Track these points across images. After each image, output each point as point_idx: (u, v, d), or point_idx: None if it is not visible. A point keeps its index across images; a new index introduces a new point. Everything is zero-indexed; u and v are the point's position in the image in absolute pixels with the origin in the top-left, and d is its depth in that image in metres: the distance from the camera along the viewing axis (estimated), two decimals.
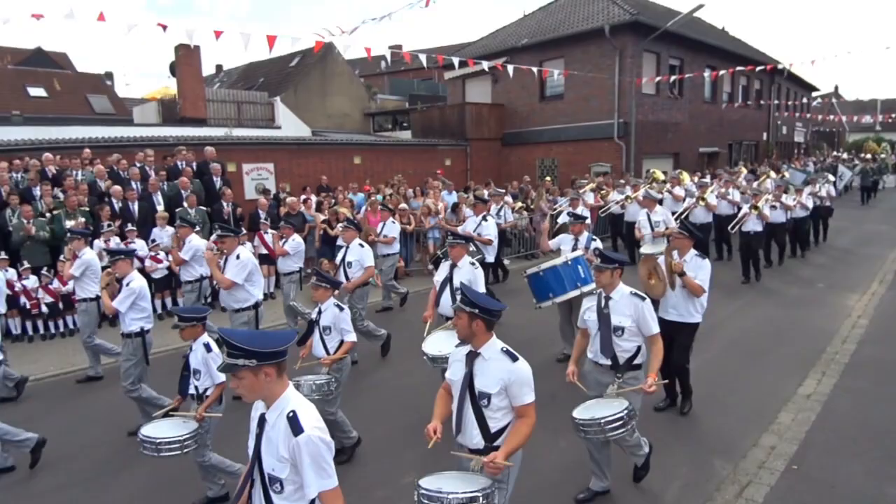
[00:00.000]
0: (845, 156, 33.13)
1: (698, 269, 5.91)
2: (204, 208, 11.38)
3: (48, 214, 9.97)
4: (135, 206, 10.76)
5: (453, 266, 6.47)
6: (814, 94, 39.83)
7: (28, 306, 9.32)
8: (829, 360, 7.67)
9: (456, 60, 15.34)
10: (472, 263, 6.39)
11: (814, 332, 8.80)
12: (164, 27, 10.03)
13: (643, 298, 4.65)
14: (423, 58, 14.22)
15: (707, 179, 16.80)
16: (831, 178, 16.59)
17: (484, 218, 10.13)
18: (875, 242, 15.94)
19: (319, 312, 5.50)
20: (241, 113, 22.25)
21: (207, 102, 21.15)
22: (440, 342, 5.53)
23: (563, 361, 7.46)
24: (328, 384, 5.12)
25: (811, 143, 41.16)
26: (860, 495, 4.70)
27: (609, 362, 4.62)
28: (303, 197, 13.24)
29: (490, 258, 10.06)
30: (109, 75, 35.03)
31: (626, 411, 4.21)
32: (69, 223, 9.75)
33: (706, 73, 21.08)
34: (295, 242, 9.16)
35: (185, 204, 10.98)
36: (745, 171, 17.22)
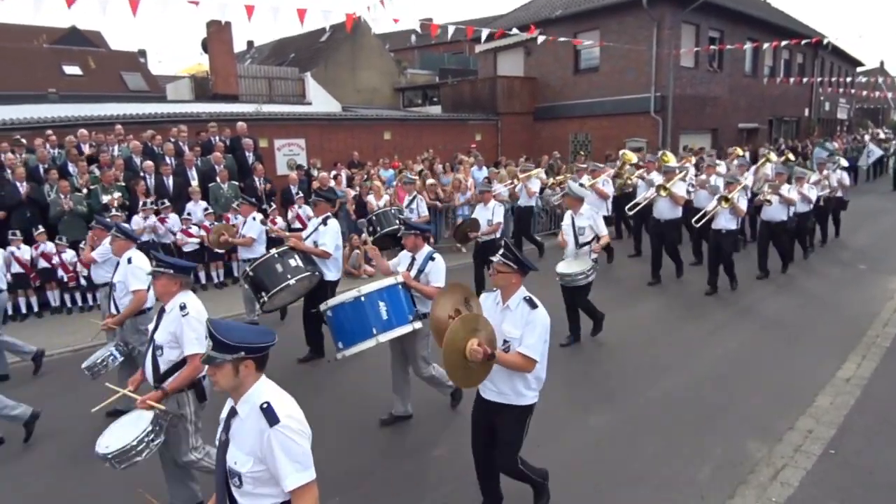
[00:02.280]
0: (882, 135, 30.75)
1: (526, 324, 3.79)
2: (236, 183, 11.47)
3: (84, 190, 10.16)
4: (169, 181, 10.90)
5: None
6: (858, 69, 38.30)
7: (66, 279, 9.56)
8: (869, 343, 7.43)
9: (485, 32, 15.07)
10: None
11: (854, 314, 8.53)
12: (196, 3, 10.04)
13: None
14: (451, 29, 14.03)
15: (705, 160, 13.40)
16: (844, 162, 13.53)
17: (324, 222, 7.11)
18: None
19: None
20: (273, 89, 22.30)
21: (239, 79, 21.23)
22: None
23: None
24: None
25: (855, 120, 39.71)
26: None
27: None
28: (333, 172, 13.26)
29: (330, 276, 7.17)
30: (143, 53, 35.38)
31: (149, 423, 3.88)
32: (105, 198, 9.94)
33: (747, 46, 20.36)
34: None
35: (218, 179, 11.09)
36: (740, 152, 13.94)
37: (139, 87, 27.32)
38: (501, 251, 3.91)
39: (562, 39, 16.32)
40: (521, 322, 3.80)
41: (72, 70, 26.51)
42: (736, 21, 21.38)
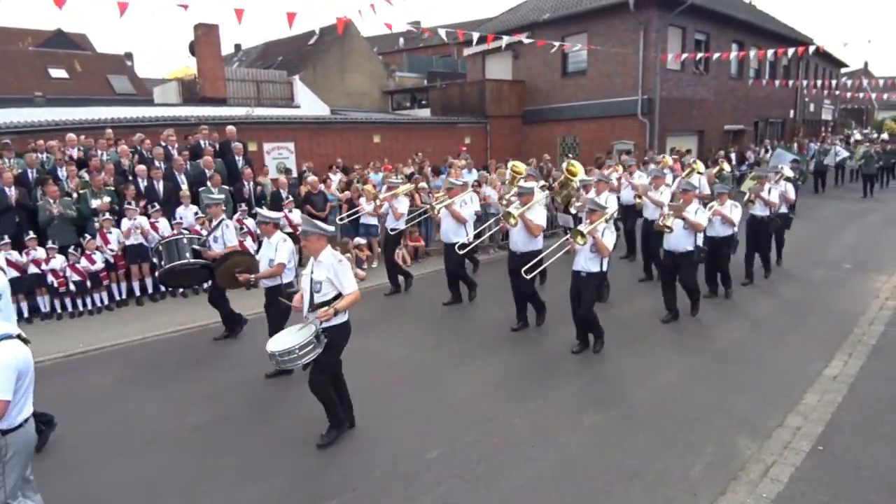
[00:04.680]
0: (858, 136, 30.18)
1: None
2: (227, 187, 11.45)
3: (74, 194, 10.10)
4: (159, 186, 10.86)
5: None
6: (843, 70, 38.80)
7: (56, 285, 9.50)
8: (855, 341, 7.55)
9: (475, 36, 15.15)
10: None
11: (840, 313, 8.65)
12: (186, 6, 10.04)
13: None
14: (442, 32, 14.08)
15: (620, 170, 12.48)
16: (787, 171, 11.33)
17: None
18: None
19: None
20: (261, 92, 22.29)
21: (227, 82, 21.21)
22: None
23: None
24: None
25: (839, 120, 40.22)
26: (886, 477, 4.65)
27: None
28: (327, 175, 13.26)
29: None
30: (129, 56, 35.17)
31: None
32: (95, 202, 9.89)
33: (733, 54, 20.63)
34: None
35: (209, 183, 11.06)
36: (669, 161, 12.68)
37: (126, 90, 27.21)
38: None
39: (554, 44, 16.39)
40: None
41: (58, 73, 26.35)
42: (722, 24, 21.62)
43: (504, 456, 5.11)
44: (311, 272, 5.23)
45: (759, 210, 10.12)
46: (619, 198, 10.94)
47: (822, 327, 8.10)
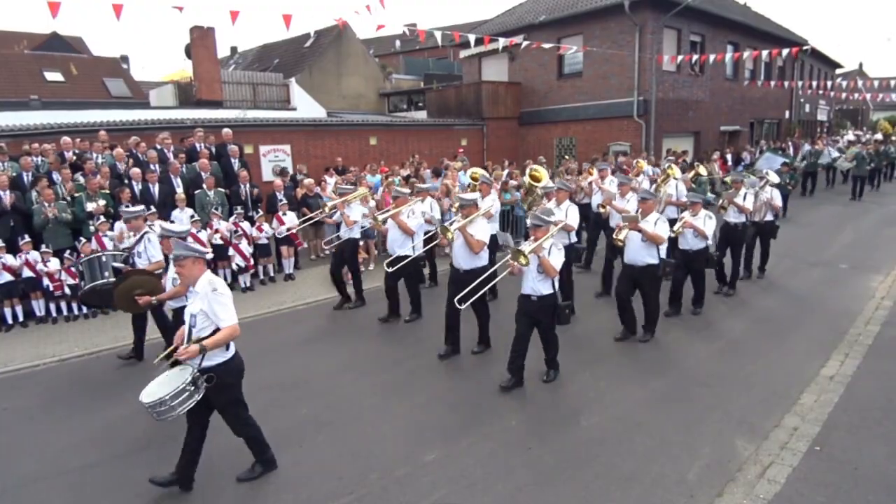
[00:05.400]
0: (851, 136, 29.12)
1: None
2: (223, 190, 11.42)
3: (69, 198, 10.07)
4: (155, 189, 10.83)
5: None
6: (837, 71, 38.92)
7: (51, 288, 9.46)
8: (852, 341, 7.56)
9: (472, 38, 15.16)
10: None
11: (837, 313, 8.67)
12: (181, 9, 10.02)
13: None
14: (438, 35, 14.06)
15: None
16: (773, 177, 10.44)
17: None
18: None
19: None
20: (257, 95, 22.24)
21: (223, 84, 21.16)
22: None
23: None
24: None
25: (834, 121, 40.32)
26: (884, 477, 4.65)
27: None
28: (324, 178, 13.25)
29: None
30: (125, 58, 35.10)
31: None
32: (90, 206, 9.86)
33: (728, 56, 20.69)
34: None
35: (205, 186, 11.04)
36: (644, 166, 12.01)
37: (122, 93, 27.15)
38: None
39: (550, 45, 16.40)
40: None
41: (53, 76, 26.28)
42: (717, 25, 21.67)
43: (500, 458, 5.11)
44: (189, 303, 4.65)
45: (733, 217, 9.41)
46: (589, 205, 10.51)
47: (819, 327, 8.11)
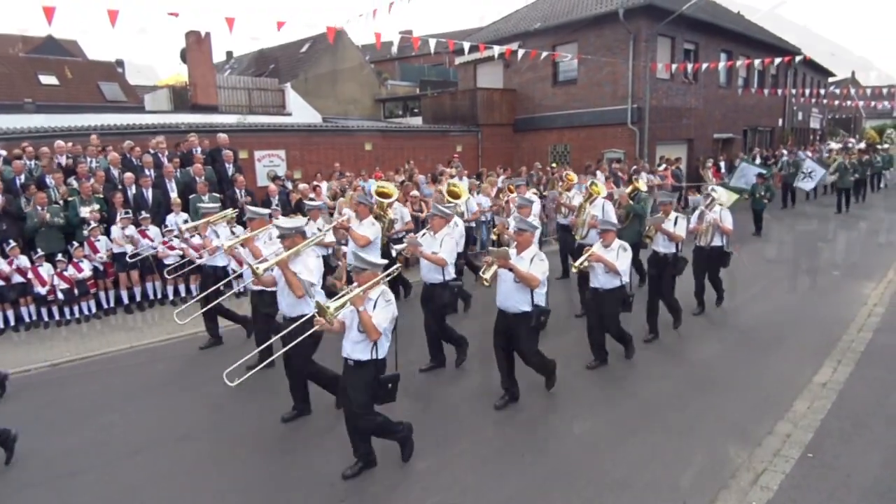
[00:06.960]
0: (834, 146, 26.54)
1: None
2: (217, 195, 11.39)
3: (62, 202, 10.03)
4: (148, 193, 10.79)
5: None
6: (830, 79, 39.21)
7: (44, 293, 9.40)
8: (844, 348, 7.58)
9: (466, 46, 15.20)
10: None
11: (829, 320, 8.70)
12: (176, 14, 10.04)
13: None
14: (432, 43, 14.10)
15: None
16: (722, 195, 9.67)
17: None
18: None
19: None
20: (252, 100, 22.24)
21: (218, 89, 21.14)
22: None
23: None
24: None
25: (827, 129, 40.59)
26: (876, 484, 4.66)
27: None
28: (314, 183, 13.22)
29: None
30: (120, 62, 35.04)
31: None
32: (83, 210, 9.82)
33: (721, 64, 20.82)
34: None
35: (198, 191, 11.01)
36: (573, 177, 11.12)
37: (117, 97, 27.03)
38: None
39: (543, 54, 16.46)
40: None
41: (48, 80, 26.15)
42: (710, 34, 21.81)
43: (492, 465, 5.10)
44: None
45: (662, 246, 8.07)
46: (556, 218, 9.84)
47: (811, 334, 8.12)
